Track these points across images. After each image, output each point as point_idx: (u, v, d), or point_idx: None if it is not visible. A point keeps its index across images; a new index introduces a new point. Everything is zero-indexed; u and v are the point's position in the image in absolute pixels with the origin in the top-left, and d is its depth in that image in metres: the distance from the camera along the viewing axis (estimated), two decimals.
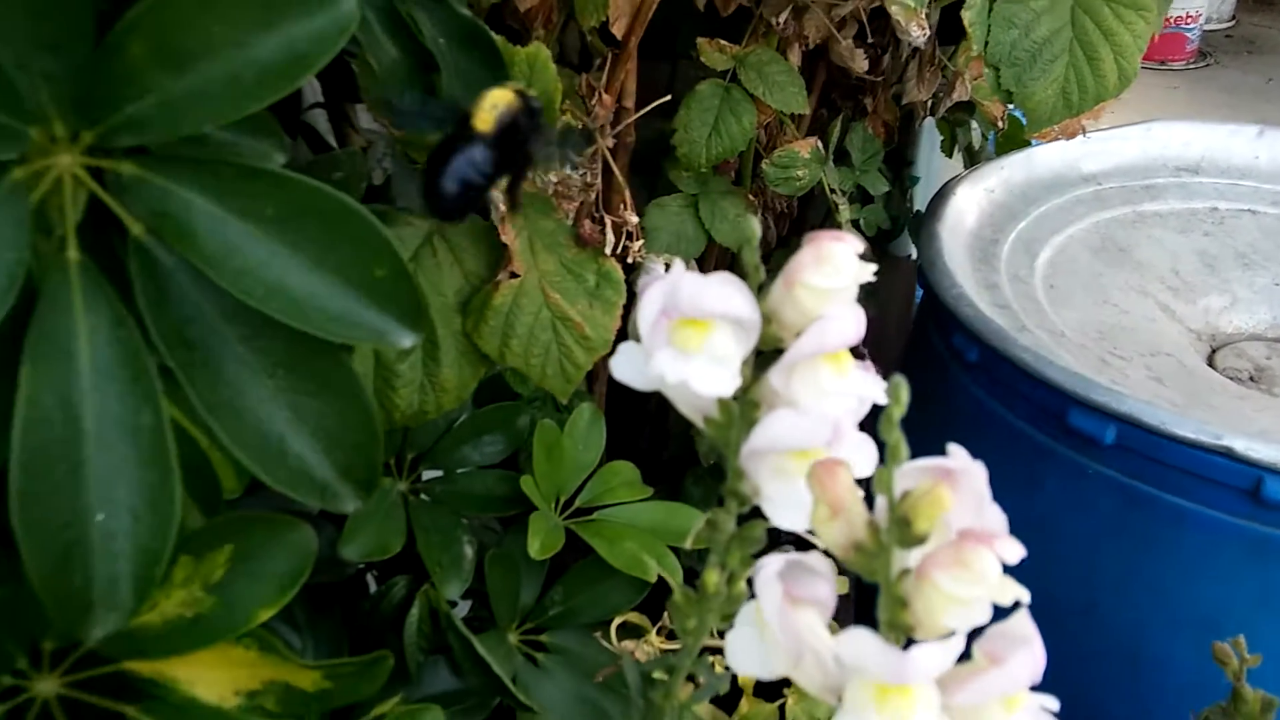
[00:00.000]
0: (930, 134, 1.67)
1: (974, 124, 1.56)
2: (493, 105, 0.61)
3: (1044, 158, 1.39)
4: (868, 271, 0.41)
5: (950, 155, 1.59)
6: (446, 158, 0.61)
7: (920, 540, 0.38)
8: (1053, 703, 0.40)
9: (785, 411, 0.40)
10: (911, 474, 0.39)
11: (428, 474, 0.89)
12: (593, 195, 0.77)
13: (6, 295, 0.47)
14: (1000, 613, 0.38)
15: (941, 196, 1.29)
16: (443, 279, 0.75)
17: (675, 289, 0.39)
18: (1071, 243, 1.30)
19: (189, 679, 0.58)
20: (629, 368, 0.42)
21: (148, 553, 0.50)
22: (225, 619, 0.57)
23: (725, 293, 0.40)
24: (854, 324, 0.40)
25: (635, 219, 0.78)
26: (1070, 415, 0.99)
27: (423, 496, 0.85)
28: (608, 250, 0.77)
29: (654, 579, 0.84)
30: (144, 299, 0.52)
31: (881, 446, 0.39)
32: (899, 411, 0.38)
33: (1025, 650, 0.37)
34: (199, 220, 0.52)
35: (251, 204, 0.53)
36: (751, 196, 1.24)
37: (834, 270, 0.40)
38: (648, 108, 0.95)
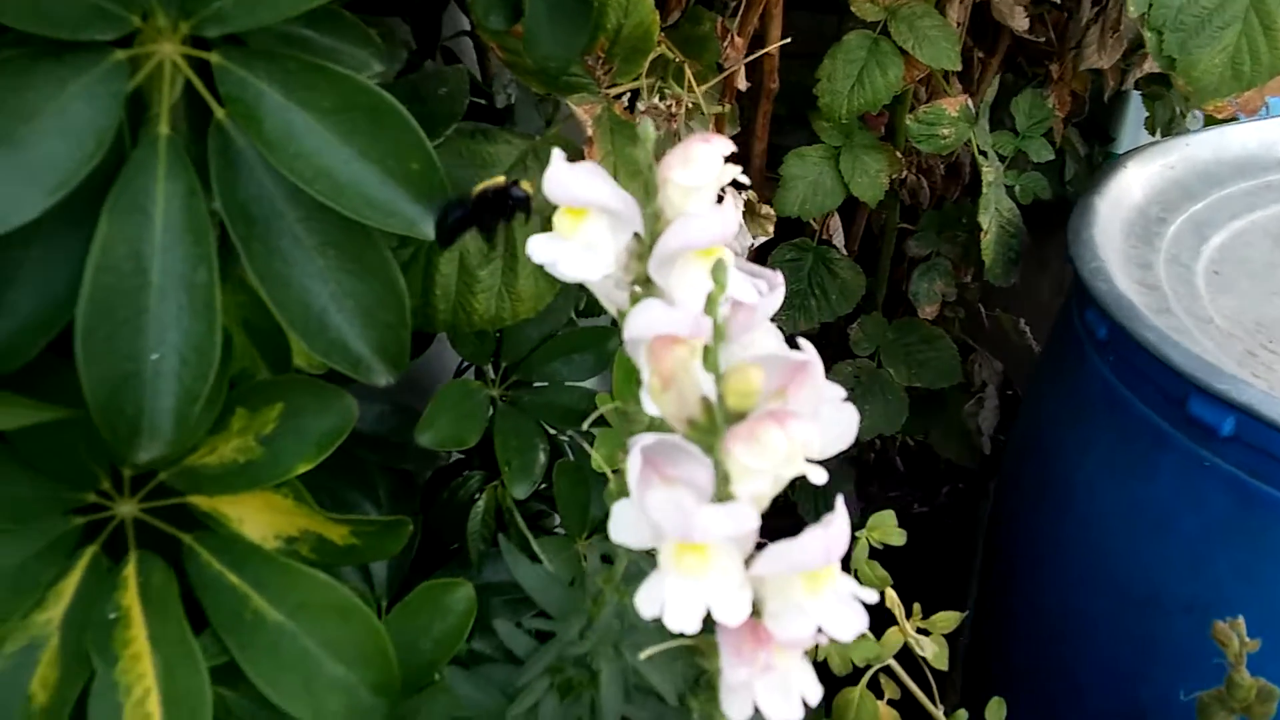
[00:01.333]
0: (1138, 109, 1.58)
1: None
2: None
3: (1238, 137, 1.29)
4: (731, 173, 0.42)
5: (1153, 132, 1.50)
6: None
7: (739, 417, 0.40)
8: (868, 595, 0.40)
9: (653, 302, 0.42)
10: (766, 361, 0.41)
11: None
12: (675, 124, 0.79)
13: (94, 155, 0.55)
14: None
15: (1109, 170, 1.22)
16: (534, 196, 0.79)
17: (552, 177, 0.42)
18: (1252, 229, 1.21)
19: (238, 517, 0.65)
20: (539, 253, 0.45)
21: (190, 392, 0.57)
22: (270, 468, 0.64)
23: (595, 182, 0.42)
24: (714, 222, 0.42)
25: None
26: (1190, 402, 0.93)
27: (509, 403, 0.91)
28: None
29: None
30: (217, 175, 0.59)
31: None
32: (719, 292, 0.40)
33: (820, 528, 0.38)
34: (267, 107, 0.59)
35: (312, 96, 0.59)
36: (899, 154, 1.22)
37: (697, 169, 0.42)
38: (761, 53, 0.96)
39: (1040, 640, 1.18)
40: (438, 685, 0.64)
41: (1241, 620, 0.59)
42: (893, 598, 0.85)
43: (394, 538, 0.67)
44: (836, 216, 1.30)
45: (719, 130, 1.11)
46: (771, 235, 0.92)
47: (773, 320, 1.23)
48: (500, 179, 0.66)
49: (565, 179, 0.42)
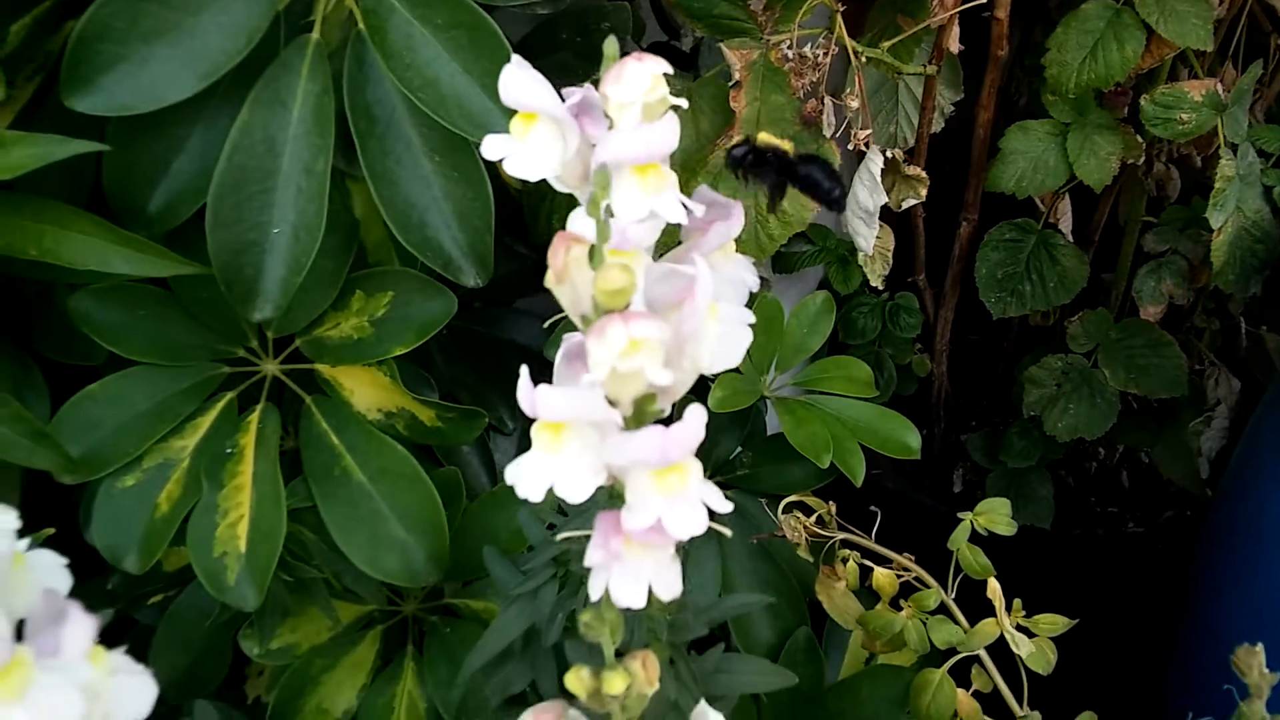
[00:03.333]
0: None
1: None
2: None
3: None
4: (660, 93, 0.43)
5: None
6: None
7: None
8: (718, 502, 0.41)
9: (579, 213, 0.44)
10: (669, 276, 0.42)
11: None
12: (819, 75, 0.78)
13: (242, 50, 0.64)
14: None
15: None
16: (681, 133, 0.82)
17: (504, 83, 0.45)
18: None
19: (350, 388, 0.74)
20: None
21: (298, 263, 0.66)
22: (375, 346, 0.72)
23: (540, 90, 0.44)
24: (639, 138, 0.43)
25: (855, 104, 0.78)
26: None
27: None
28: (828, 132, 0.78)
29: (825, 465, 0.86)
30: (349, 78, 0.67)
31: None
32: (601, 195, 0.41)
33: (661, 429, 0.39)
34: (393, 20, 0.65)
35: (429, 12, 0.65)
36: (1141, 138, 1.13)
37: (627, 86, 0.43)
38: (959, 8, 0.92)
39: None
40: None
41: (1261, 648, 0.53)
42: (994, 588, 0.81)
43: (471, 426, 0.73)
44: (1067, 200, 1.22)
45: (928, 94, 1.08)
46: (922, 198, 0.89)
47: (983, 300, 1.17)
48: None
49: (512, 83, 0.45)
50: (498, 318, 0.93)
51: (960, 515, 0.83)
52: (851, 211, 0.85)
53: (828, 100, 0.77)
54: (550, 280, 0.43)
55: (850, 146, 0.80)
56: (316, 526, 0.70)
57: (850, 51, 0.81)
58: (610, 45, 0.45)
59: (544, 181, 0.71)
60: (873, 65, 0.91)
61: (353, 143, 0.68)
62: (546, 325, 0.51)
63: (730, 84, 0.80)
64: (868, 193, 0.82)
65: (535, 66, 0.80)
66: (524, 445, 0.93)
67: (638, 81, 0.43)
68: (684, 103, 0.45)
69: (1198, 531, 1.38)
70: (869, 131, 0.79)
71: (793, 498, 0.90)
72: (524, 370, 0.41)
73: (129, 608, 0.80)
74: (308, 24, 0.68)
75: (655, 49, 0.99)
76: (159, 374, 0.72)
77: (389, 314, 0.72)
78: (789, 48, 0.80)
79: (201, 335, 0.74)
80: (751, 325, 0.46)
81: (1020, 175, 1.13)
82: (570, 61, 0.81)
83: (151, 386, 0.71)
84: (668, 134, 0.43)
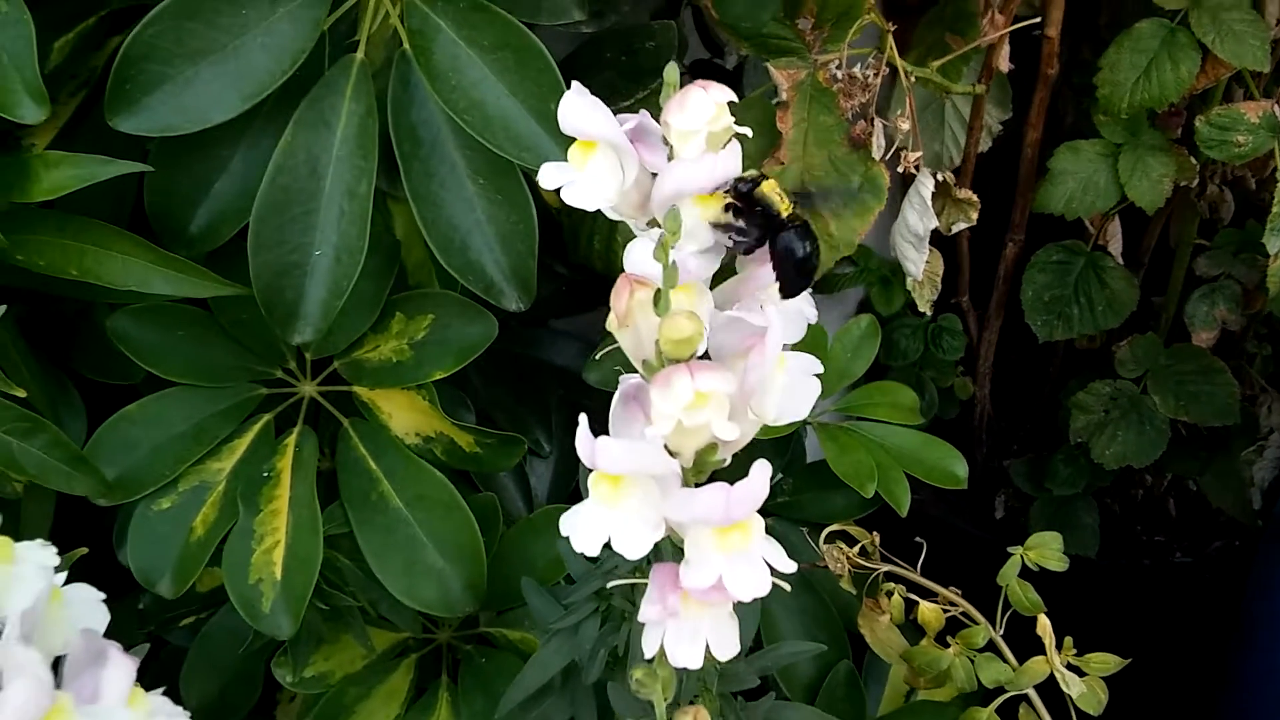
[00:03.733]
0: None
1: None
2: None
3: None
4: (725, 121, 0.42)
5: None
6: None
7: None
8: (781, 561, 0.39)
9: (640, 241, 0.43)
10: (734, 323, 0.41)
11: None
12: (869, 96, 0.76)
13: (287, 71, 0.64)
14: None
15: None
16: None
17: (564, 110, 0.43)
18: None
19: (389, 411, 0.73)
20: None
21: (338, 287, 0.65)
22: (414, 370, 0.71)
23: (600, 118, 0.43)
24: (702, 168, 0.41)
25: (906, 125, 0.76)
26: None
27: None
28: (877, 154, 0.76)
29: (869, 495, 0.84)
30: (394, 99, 0.66)
31: None
32: (672, 239, 0.40)
33: (724, 486, 0.38)
34: (439, 41, 0.64)
35: (476, 33, 0.64)
36: (1195, 160, 1.10)
37: (691, 115, 0.42)
38: (1012, 27, 0.90)
39: None
40: None
41: None
42: (1044, 625, 0.79)
43: (509, 453, 0.72)
44: (1116, 221, 1.19)
45: (976, 113, 1.06)
46: (973, 222, 0.86)
47: (1029, 323, 1.15)
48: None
49: (574, 112, 0.44)
50: (535, 338, 0.92)
51: (1010, 550, 0.80)
52: (900, 236, 0.83)
53: (877, 122, 0.76)
54: (612, 324, 0.42)
55: (900, 169, 0.78)
56: (352, 552, 0.69)
57: (901, 72, 0.79)
58: (671, 72, 0.43)
59: None
60: (919, 84, 0.89)
61: (395, 163, 0.67)
62: (598, 357, 0.50)
63: (776, 104, 0.79)
64: (917, 217, 0.81)
65: None
66: (560, 469, 0.93)
67: (702, 110, 0.42)
68: (748, 130, 0.43)
69: (1248, 562, 1.34)
70: (919, 154, 0.78)
71: (835, 527, 0.88)
72: (583, 420, 0.40)
73: (161, 629, 0.80)
74: (352, 44, 0.67)
75: (698, 67, 0.97)
76: (196, 395, 0.71)
77: (429, 337, 0.71)
78: (838, 68, 0.78)
79: (240, 356, 0.73)
80: (819, 375, 0.44)
81: (1070, 196, 1.10)
82: (615, 81, 0.80)
83: (189, 408, 0.71)
84: (732, 163, 0.42)
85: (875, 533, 0.85)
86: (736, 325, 0.42)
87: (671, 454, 0.41)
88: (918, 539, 0.86)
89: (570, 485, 0.91)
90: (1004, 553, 1.36)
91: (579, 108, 0.44)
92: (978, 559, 1.33)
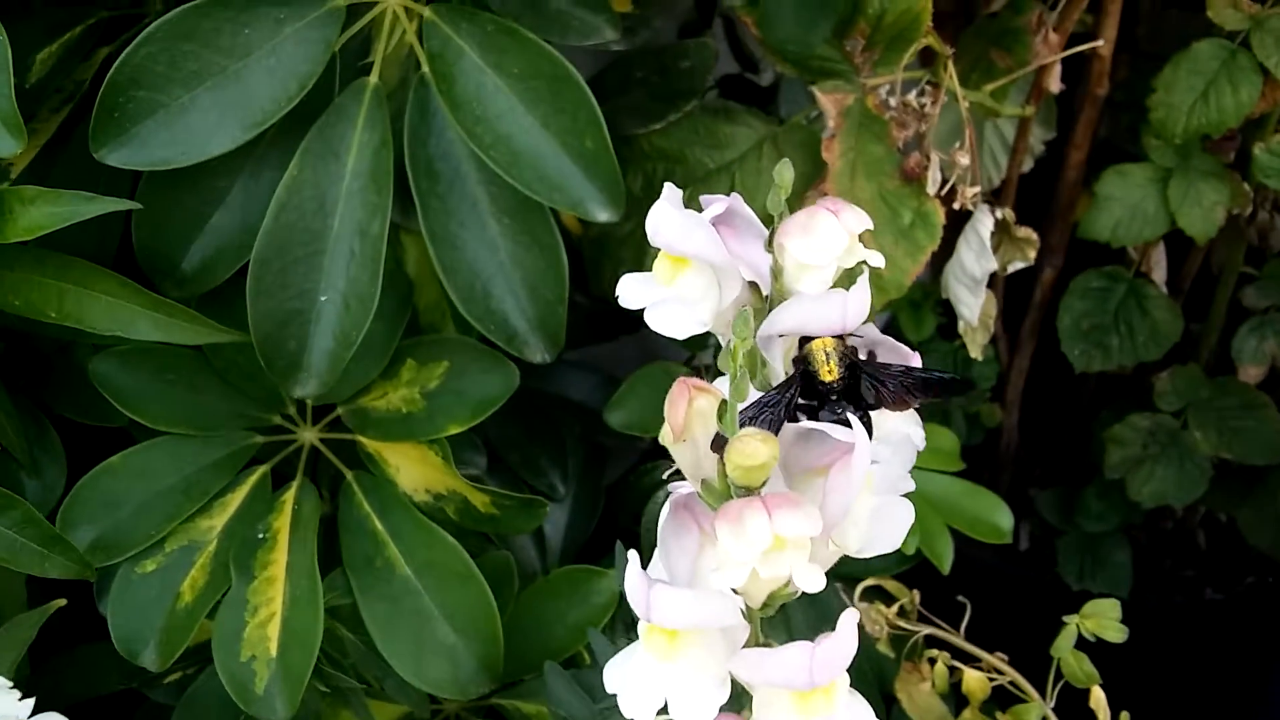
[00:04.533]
0: None
1: None
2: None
3: None
4: (859, 254, 0.35)
5: None
6: None
7: (746, 490, 0.33)
8: None
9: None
10: (808, 436, 0.34)
11: None
12: (926, 125, 0.70)
13: (294, 98, 0.57)
14: None
15: None
16: (759, 185, 0.74)
17: (654, 221, 0.37)
18: None
19: (396, 465, 0.67)
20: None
21: (347, 337, 0.58)
22: (426, 423, 0.65)
23: (696, 233, 0.36)
24: (832, 308, 0.35)
25: (965, 160, 0.70)
26: None
27: None
28: (932, 189, 0.70)
29: (910, 551, 0.79)
30: (410, 130, 0.60)
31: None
32: (742, 344, 0.33)
33: (807, 645, 0.32)
34: (461, 66, 0.58)
35: (504, 59, 0.57)
36: (1248, 186, 1.04)
37: (817, 244, 0.35)
38: (1078, 49, 0.83)
39: None
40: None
41: None
42: (1099, 699, 0.73)
43: (529, 516, 0.65)
44: (1161, 247, 1.13)
45: (1022, 135, 1.00)
46: (1030, 261, 0.81)
47: (1065, 353, 1.09)
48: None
49: (665, 225, 0.37)
50: (550, 372, 0.86)
51: (1065, 620, 0.75)
52: (955, 278, 0.77)
53: (934, 155, 0.69)
54: (665, 436, 0.36)
55: (956, 205, 0.72)
56: (355, 622, 0.63)
57: (960, 100, 0.73)
58: (784, 171, 0.36)
59: (608, 229, 0.63)
60: (952, 100, 0.83)
61: (409, 194, 0.61)
62: (665, 476, 0.42)
63: (823, 132, 0.73)
64: (975, 258, 0.74)
65: (608, 108, 0.73)
66: (577, 514, 0.87)
67: (833, 241, 0.36)
68: (881, 260, 0.37)
69: None
70: (978, 189, 0.71)
71: (870, 581, 0.82)
72: (633, 559, 0.34)
73: (144, 684, 0.74)
74: (365, 66, 0.60)
75: (729, 83, 0.91)
76: (186, 444, 0.65)
77: (443, 386, 0.65)
78: (889, 93, 0.72)
79: (235, 401, 0.67)
80: (912, 495, 0.38)
81: (1116, 223, 1.05)
82: (645, 103, 0.74)
83: (178, 459, 0.65)
84: (865, 305, 0.35)
85: (916, 591, 0.80)
86: (812, 438, 0.36)
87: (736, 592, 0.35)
88: (960, 598, 0.81)
89: (588, 531, 0.85)
90: (1028, 583, 1.31)
91: (674, 223, 0.37)
92: (1001, 592, 1.28)
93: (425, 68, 0.59)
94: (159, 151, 0.55)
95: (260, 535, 0.63)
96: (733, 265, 0.37)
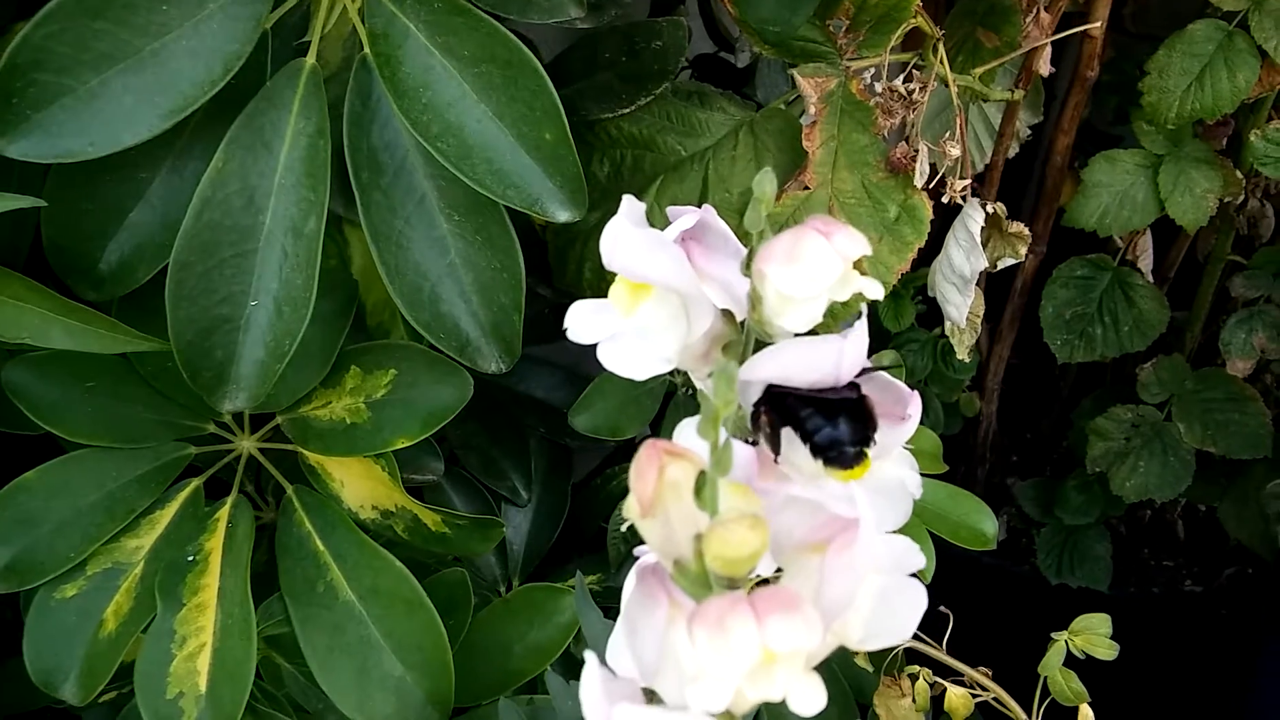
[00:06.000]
0: None
1: None
2: None
3: None
4: (854, 285, 0.30)
5: None
6: None
7: (730, 581, 0.29)
8: None
9: (688, 428, 0.31)
10: (801, 507, 0.29)
11: None
12: (913, 113, 0.65)
13: (218, 82, 0.51)
14: None
15: None
16: (734, 174, 0.69)
17: (610, 241, 0.31)
18: None
19: (341, 479, 0.62)
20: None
21: (279, 346, 0.53)
22: (372, 436, 0.59)
23: (658, 257, 0.31)
24: (823, 355, 0.30)
25: (956, 151, 0.65)
26: None
27: (694, 396, 0.82)
28: (919, 181, 0.66)
29: (922, 564, 0.74)
30: (350, 116, 0.54)
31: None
32: (725, 410, 0.28)
33: None
34: (407, 48, 0.52)
35: (454, 41, 0.52)
36: (1240, 173, 1.00)
37: (804, 273, 0.30)
38: (1070, 31, 0.79)
39: None
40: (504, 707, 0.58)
41: None
42: (1086, 716, 0.70)
43: (483, 538, 0.61)
44: (1148, 236, 1.10)
45: (1008, 119, 0.95)
46: (1021, 258, 0.76)
47: (1047, 343, 1.04)
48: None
49: (623, 246, 0.31)
50: (512, 369, 0.81)
51: (1054, 635, 0.71)
52: (943, 277, 0.72)
53: (922, 145, 0.64)
54: (631, 509, 0.30)
55: (946, 200, 0.67)
56: (293, 651, 0.58)
57: (950, 86, 0.68)
58: (765, 182, 0.31)
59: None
60: (940, 83, 0.78)
61: (351, 188, 0.55)
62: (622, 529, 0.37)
63: (803, 118, 0.68)
64: (964, 256, 0.70)
65: (572, 90, 0.68)
66: (540, 520, 0.82)
67: (823, 269, 0.30)
68: (879, 291, 0.31)
69: (1262, 593, 1.27)
70: (968, 182, 0.67)
71: None
72: (591, 663, 0.29)
73: (75, 705, 0.68)
74: (302, 45, 0.54)
75: (704, 63, 0.85)
76: (110, 458, 0.60)
77: (390, 396, 0.59)
78: (874, 78, 0.67)
79: (163, 410, 0.61)
80: (921, 575, 0.33)
81: (1104, 211, 1.01)
82: (613, 84, 0.68)
83: (100, 474, 0.59)
84: (862, 350, 0.30)
85: None
86: (804, 508, 0.31)
87: None
88: (942, 608, 0.77)
89: (553, 536, 0.80)
90: (1006, 574, 1.28)
91: (633, 243, 0.31)
92: (981, 581, 1.24)
93: (367, 49, 0.54)
94: (66, 142, 0.49)
95: (190, 558, 0.58)
96: (702, 292, 0.32)
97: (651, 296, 0.32)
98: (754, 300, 0.32)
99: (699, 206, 0.34)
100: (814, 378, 0.30)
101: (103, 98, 0.49)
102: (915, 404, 0.34)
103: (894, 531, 0.80)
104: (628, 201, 0.32)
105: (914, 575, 0.31)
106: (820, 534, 0.30)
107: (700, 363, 0.34)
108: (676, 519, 0.30)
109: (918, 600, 0.31)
